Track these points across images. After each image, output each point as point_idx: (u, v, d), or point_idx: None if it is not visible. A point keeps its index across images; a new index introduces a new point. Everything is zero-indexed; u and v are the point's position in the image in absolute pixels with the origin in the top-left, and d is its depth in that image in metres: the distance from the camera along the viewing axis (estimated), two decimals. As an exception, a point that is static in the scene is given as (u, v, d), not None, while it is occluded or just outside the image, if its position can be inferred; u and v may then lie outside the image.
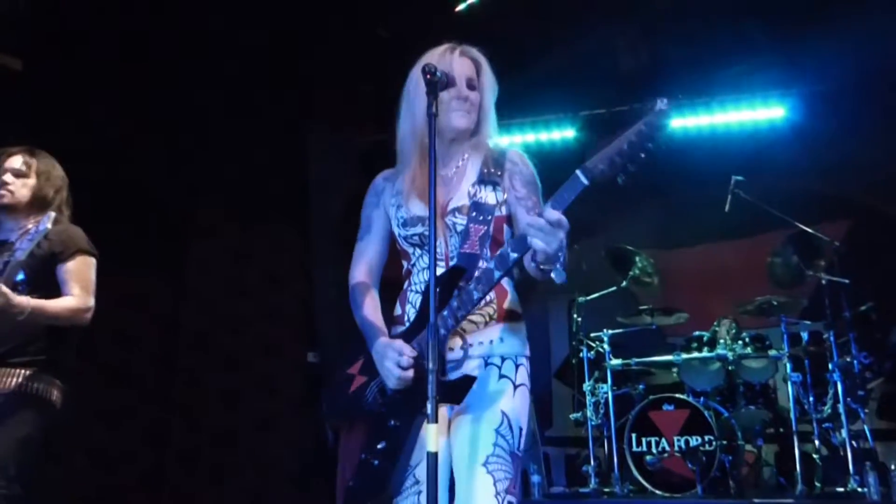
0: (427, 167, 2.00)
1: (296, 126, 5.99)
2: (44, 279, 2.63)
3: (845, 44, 5.05)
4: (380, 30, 5.21)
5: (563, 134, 6.31)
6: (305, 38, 5.27)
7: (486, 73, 2.13)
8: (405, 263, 2.15)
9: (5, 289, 2.42)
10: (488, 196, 2.05)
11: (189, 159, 5.41)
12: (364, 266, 2.18)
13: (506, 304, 2.03)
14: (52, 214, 2.50)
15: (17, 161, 2.80)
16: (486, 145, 2.13)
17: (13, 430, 2.51)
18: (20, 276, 2.48)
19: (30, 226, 2.72)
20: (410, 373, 1.89)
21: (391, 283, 2.21)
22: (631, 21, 5.41)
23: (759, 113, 5.91)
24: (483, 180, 2.07)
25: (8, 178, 2.76)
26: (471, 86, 2.09)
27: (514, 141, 6.27)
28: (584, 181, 1.72)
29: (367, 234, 2.19)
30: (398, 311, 2.12)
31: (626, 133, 1.71)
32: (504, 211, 2.07)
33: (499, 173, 2.07)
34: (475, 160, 2.12)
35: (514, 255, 1.81)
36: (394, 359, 1.90)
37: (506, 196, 2.06)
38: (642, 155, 1.69)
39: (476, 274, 1.92)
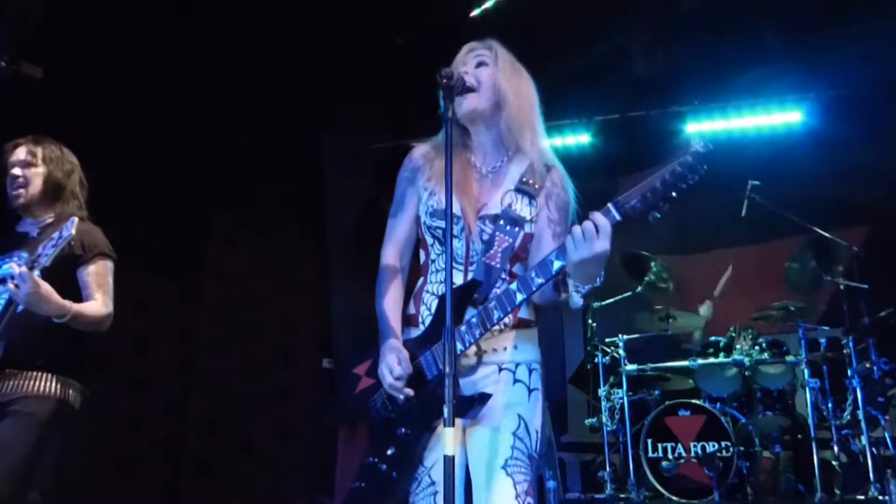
0: (463, 162, 2.02)
1: (312, 134, 6.03)
2: (62, 280, 2.60)
3: (863, 47, 5.02)
4: (396, 38, 5.23)
5: (577, 139, 6.30)
6: (322, 48, 5.30)
7: (500, 54, 2.10)
8: (422, 255, 2.13)
9: (52, 291, 2.43)
10: (522, 209, 2.02)
11: (207, 167, 5.46)
12: (395, 246, 2.15)
13: (520, 313, 2.03)
14: (76, 220, 2.44)
15: (21, 152, 2.75)
16: (533, 152, 2.07)
17: (33, 434, 2.48)
18: (36, 274, 2.45)
19: (49, 219, 2.72)
20: (400, 383, 1.91)
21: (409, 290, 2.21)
22: (647, 26, 5.39)
23: (775, 117, 5.87)
24: (521, 189, 2.03)
25: (16, 171, 2.72)
26: (478, 65, 2.07)
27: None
28: (617, 216, 1.74)
29: (399, 212, 2.16)
30: (412, 310, 2.10)
31: (661, 171, 1.73)
32: (533, 228, 2.04)
33: (537, 186, 2.04)
34: (517, 165, 2.08)
35: (538, 281, 1.82)
36: (389, 365, 1.93)
37: (538, 213, 2.03)
38: (674, 194, 1.72)
39: (497, 292, 1.92)
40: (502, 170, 2.09)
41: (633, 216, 1.73)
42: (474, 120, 2.08)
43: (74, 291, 2.65)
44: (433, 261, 2.09)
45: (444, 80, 1.88)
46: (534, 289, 1.83)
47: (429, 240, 2.09)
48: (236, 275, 5.63)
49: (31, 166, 2.74)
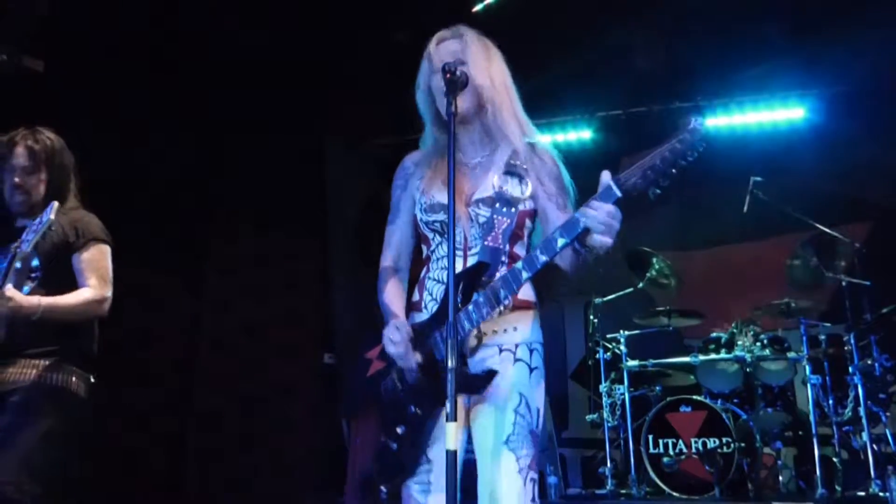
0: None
1: (314, 131, 6.02)
2: (58, 268, 2.59)
3: (866, 43, 5.00)
4: (398, 35, 5.22)
5: (579, 135, 6.29)
6: (323, 45, 5.30)
7: (469, 43, 2.09)
8: (425, 249, 2.17)
9: (15, 292, 2.39)
10: (514, 189, 2.06)
11: (210, 163, 5.46)
12: (392, 251, 2.20)
13: (520, 294, 2.03)
14: (55, 205, 2.39)
15: (22, 157, 2.65)
16: (516, 136, 2.11)
17: (35, 423, 2.47)
18: (35, 262, 2.47)
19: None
20: (402, 345, 1.94)
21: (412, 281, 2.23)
22: (649, 22, 5.38)
23: (778, 114, 5.86)
24: (509, 172, 2.08)
25: (18, 179, 2.65)
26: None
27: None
28: (617, 192, 1.76)
29: (395, 218, 2.21)
30: (416, 296, 2.14)
31: (660, 149, 1.75)
32: (528, 206, 2.07)
33: (525, 167, 2.08)
34: (503, 151, 2.12)
35: (542, 258, 1.85)
36: (387, 335, 1.97)
37: (531, 191, 2.07)
38: (674, 171, 1.74)
39: (502, 273, 1.95)
40: (488, 158, 2.13)
41: (634, 192, 1.75)
42: (463, 117, 2.10)
43: (69, 278, 2.62)
44: (433, 251, 2.13)
45: (448, 75, 1.89)
46: (538, 266, 1.86)
47: (429, 234, 2.13)
48: (238, 271, 5.64)
49: (34, 173, 2.68)
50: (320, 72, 5.50)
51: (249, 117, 5.49)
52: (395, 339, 1.95)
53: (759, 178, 5.06)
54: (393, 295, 2.13)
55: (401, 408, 2.00)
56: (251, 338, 5.57)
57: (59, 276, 2.59)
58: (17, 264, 2.39)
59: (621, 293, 5.56)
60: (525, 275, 1.87)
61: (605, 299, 5.51)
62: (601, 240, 1.76)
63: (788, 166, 5.68)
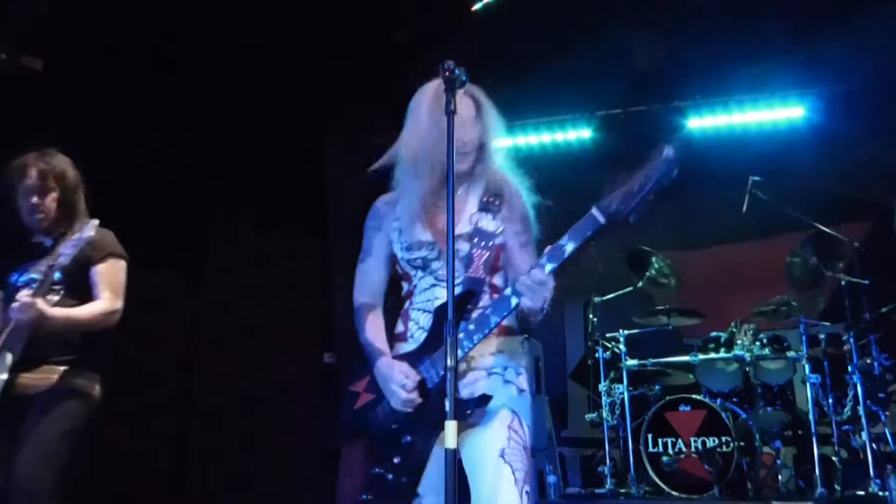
0: (432, 193, 2.08)
1: (314, 131, 6.02)
2: (79, 281, 2.73)
3: (865, 43, 5.01)
4: (398, 34, 5.22)
5: (578, 134, 6.29)
6: (324, 45, 5.29)
7: (486, 111, 2.15)
8: (405, 285, 2.21)
9: (42, 304, 2.53)
10: (489, 224, 2.12)
11: (210, 163, 5.46)
12: (367, 288, 2.25)
13: (504, 321, 2.08)
14: (96, 222, 2.63)
15: (33, 177, 2.79)
16: (487, 174, 2.18)
17: (57, 423, 2.59)
18: (57, 275, 2.61)
19: (61, 230, 2.82)
20: (415, 394, 1.98)
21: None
22: (648, 20, 5.38)
23: (777, 113, 5.85)
24: (483, 209, 2.14)
25: (35, 200, 2.80)
26: (471, 126, 2.12)
27: (530, 141, 6.25)
28: (601, 220, 1.83)
29: (368, 257, 2.25)
30: (400, 328, 2.18)
31: (636, 176, 1.81)
32: (502, 239, 2.13)
33: (497, 203, 2.14)
34: (475, 189, 2.19)
35: (494, 320, 1.94)
36: (399, 381, 2.00)
37: (503, 226, 2.13)
38: (651, 197, 1.81)
39: (485, 302, 2.02)
40: (463, 196, 2.18)
41: (617, 218, 1.82)
42: (458, 177, 2.14)
43: (87, 291, 2.76)
44: (416, 285, 2.17)
45: (447, 73, 1.89)
46: (491, 328, 1.95)
47: (410, 271, 2.18)
48: (238, 271, 5.64)
49: (47, 192, 2.81)
50: (320, 72, 5.50)
51: (249, 117, 5.48)
52: (409, 387, 1.99)
53: (757, 178, 5.06)
54: (376, 331, 2.17)
55: (395, 438, 2.02)
56: (251, 338, 5.57)
57: (81, 287, 2.74)
58: (38, 276, 2.60)
59: (621, 292, 5.56)
60: (514, 300, 1.92)
61: (604, 298, 5.51)
62: (529, 305, 1.86)
63: (788, 166, 5.68)
